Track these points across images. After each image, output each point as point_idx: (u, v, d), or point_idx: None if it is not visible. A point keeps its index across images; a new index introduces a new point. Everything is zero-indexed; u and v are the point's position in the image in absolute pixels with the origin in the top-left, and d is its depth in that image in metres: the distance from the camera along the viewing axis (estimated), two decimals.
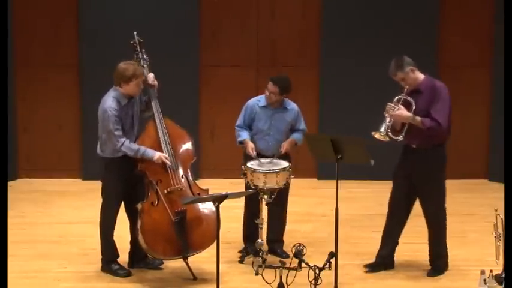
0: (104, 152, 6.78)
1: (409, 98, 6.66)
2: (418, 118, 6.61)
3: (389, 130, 6.62)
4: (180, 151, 6.89)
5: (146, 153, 6.66)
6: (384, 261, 7.03)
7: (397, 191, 6.91)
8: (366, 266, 7.05)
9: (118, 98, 6.68)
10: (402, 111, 6.62)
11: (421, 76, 6.75)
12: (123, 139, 6.61)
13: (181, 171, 6.81)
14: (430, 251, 7.00)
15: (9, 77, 8.94)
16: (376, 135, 6.61)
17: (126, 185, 6.78)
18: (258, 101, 7.27)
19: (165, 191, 6.68)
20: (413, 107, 6.63)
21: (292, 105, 7.29)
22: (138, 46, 6.99)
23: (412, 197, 6.89)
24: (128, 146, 6.63)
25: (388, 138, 6.63)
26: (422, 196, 6.85)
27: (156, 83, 6.94)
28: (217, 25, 9.98)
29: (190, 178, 6.85)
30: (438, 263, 6.98)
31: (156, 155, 6.67)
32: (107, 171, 6.79)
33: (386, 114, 6.64)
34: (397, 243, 7.02)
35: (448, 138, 6.81)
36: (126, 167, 6.71)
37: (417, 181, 6.79)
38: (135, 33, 7.01)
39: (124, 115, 6.70)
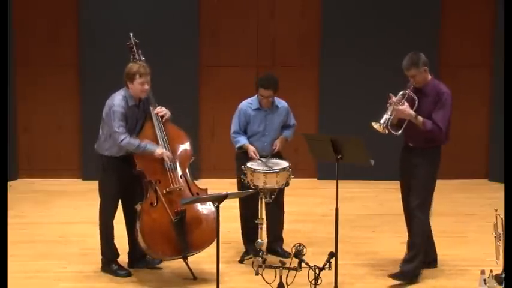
0: (102, 149, 6.77)
1: (414, 96, 6.54)
2: (421, 118, 6.49)
3: (389, 123, 6.46)
4: (179, 151, 6.87)
5: (148, 148, 6.63)
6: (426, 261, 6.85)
7: (404, 194, 6.79)
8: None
9: (127, 98, 6.66)
10: (406, 108, 6.49)
11: (429, 77, 6.64)
12: (124, 135, 6.58)
13: (179, 171, 6.80)
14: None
15: (9, 77, 8.95)
16: (376, 126, 6.43)
17: (123, 185, 6.76)
18: (249, 103, 7.24)
19: (164, 191, 6.66)
20: (416, 105, 6.53)
21: (282, 103, 7.29)
22: (134, 47, 6.95)
23: None
24: (128, 141, 6.57)
25: (386, 131, 6.46)
26: (410, 189, 6.68)
27: (163, 113, 6.82)
28: (217, 25, 9.98)
29: (189, 178, 6.85)
30: (406, 268, 6.67)
31: (158, 149, 6.65)
32: (104, 171, 6.77)
33: (390, 106, 6.49)
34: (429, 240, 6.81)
35: (444, 144, 6.69)
36: (124, 167, 6.70)
37: (411, 176, 6.65)
38: (131, 34, 6.94)
39: (130, 115, 6.68)
